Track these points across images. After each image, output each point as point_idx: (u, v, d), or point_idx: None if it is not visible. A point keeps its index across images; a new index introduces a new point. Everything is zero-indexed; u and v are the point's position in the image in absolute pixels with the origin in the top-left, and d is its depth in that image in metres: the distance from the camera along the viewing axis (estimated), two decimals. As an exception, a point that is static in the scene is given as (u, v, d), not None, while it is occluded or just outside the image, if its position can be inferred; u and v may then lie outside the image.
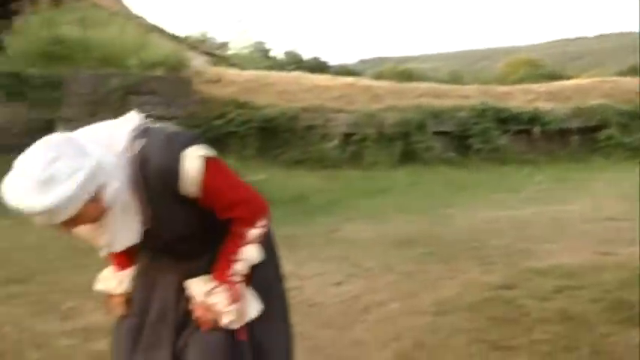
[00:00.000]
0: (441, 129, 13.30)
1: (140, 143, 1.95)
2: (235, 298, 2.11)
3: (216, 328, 2.10)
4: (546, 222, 7.54)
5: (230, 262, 2.12)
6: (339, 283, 5.33)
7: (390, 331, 4.27)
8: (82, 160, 1.79)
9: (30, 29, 11.89)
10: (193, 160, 1.97)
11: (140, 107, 12.12)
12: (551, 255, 6.02)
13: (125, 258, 2.31)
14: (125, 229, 1.99)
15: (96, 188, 1.83)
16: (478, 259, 5.97)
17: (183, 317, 2.16)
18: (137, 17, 14.31)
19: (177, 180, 1.96)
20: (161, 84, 11.47)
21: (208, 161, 2.00)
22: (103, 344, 4.03)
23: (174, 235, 2.09)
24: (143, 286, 2.25)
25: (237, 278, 2.13)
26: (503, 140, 13.34)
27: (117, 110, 11.76)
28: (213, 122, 11.74)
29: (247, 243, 2.13)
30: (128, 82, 11.20)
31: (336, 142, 12.45)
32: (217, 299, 2.09)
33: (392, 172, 12.03)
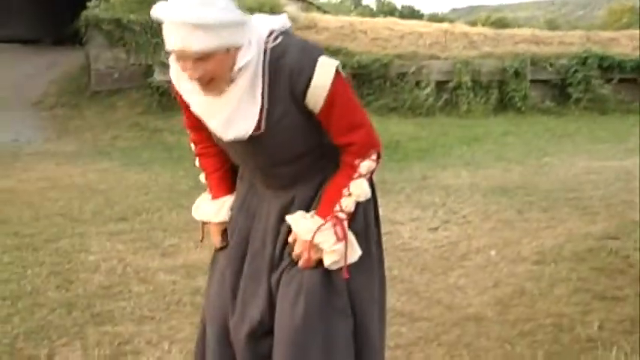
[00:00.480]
0: (540, 77, 12.85)
1: (280, 39, 1.94)
2: (341, 237, 2.03)
3: (314, 267, 2.05)
4: (652, 173, 7.20)
5: (339, 195, 2.04)
6: (435, 229, 5.27)
7: (489, 277, 4.21)
8: (237, 10, 1.83)
9: (129, -24, 12.10)
10: (327, 66, 1.92)
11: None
12: (657, 206, 5.75)
13: (223, 185, 2.28)
14: (243, 114, 1.94)
15: (236, 43, 1.83)
16: (580, 209, 5.78)
17: (280, 250, 2.11)
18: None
19: (308, 82, 1.91)
20: (256, 30, 11.47)
21: (339, 74, 1.95)
22: (202, 281, 4.14)
23: (283, 149, 2.02)
24: (243, 216, 2.20)
25: (344, 215, 2.04)
26: (605, 89, 12.78)
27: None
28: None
29: (359, 176, 2.04)
30: (224, 27, 11.27)
31: (429, 89, 12.24)
32: (323, 238, 2.02)
33: (487, 120, 11.77)
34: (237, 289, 2.18)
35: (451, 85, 12.41)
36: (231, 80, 1.90)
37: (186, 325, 3.50)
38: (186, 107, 2.10)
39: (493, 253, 4.67)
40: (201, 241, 2.42)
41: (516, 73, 12.59)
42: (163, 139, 9.93)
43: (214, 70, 1.83)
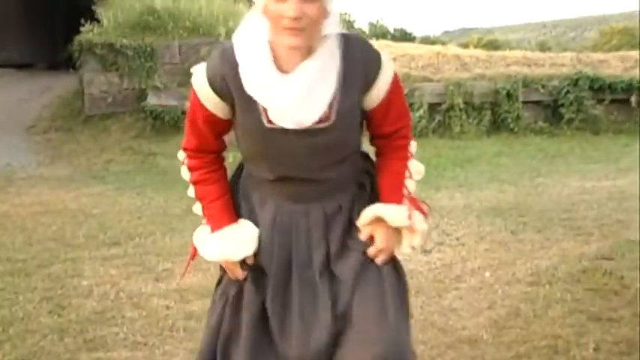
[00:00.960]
0: (532, 98, 12.91)
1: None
2: (427, 214, 2.10)
3: (386, 266, 2.06)
4: (645, 193, 7.21)
5: (402, 178, 2.08)
6: (428, 251, 5.25)
7: (484, 299, 4.19)
8: None
9: (124, 1, 12.17)
10: (389, 59, 2.00)
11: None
12: (651, 227, 5.76)
13: (228, 213, 2.11)
14: (318, 95, 1.89)
15: (331, 4, 1.85)
16: (574, 229, 5.78)
17: (333, 258, 2.05)
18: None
19: (377, 74, 1.95)
20: (249, 53, 11.52)
21: None
22: (196, 305, 4.12)
23: (340, 146, 2.00)
24: (279, 237, 2.07)
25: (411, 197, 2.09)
26: (597, 110, 12.83)
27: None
28: (299, 91, 11.75)
29: (411, 156, 2.10)
30: (217, 51, 11.32)
31: (422, 111, 12.27)
32: (414, 219, 2.06)
33: (480, 141, 11.80)
34: (292, 317, 2.05)
35: (444, 106, 12.44)
36: (308, 53, 1.88)
37: (180, 351, 3.48)
38: (206, 120, 2.00)
39: (487, 274, 4.66)
40: (182, 277, 2.32)
41: (509, 95, 12.64)
42: (157, 162, 9.92)
43: (312, 16, 1.80)
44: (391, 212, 2.04)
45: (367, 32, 42.11)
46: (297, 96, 1.86)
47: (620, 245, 5.19)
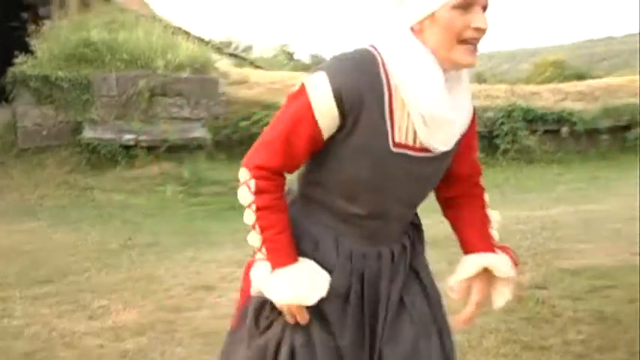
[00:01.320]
0: (468, 129, 13.19)
1: None
2: (518, 264, 1.99)
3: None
4: (577, 222, 7.42)
5: (488, 227, 2.00)
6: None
7: (421, 330, 4.21)
8: None
9: (59, 33, 12.01)
10: None
11: (167, 108, 11.98)
12: (583, 255, 5.91)
13: (293, 247, 1.80)
14: (462, 105, 1.79)
15: None
16: (509, 259, 5.88)
17: (388, 326, 1.89)
18: (163, 20, 14.40)
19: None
20: (187, 85, 11.52)
21: None
22: (132, 343, 4.05)
23: (435, 181, 1.92)
24: (355, 283, 1.86)
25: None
26: (531, 140, 13.21)
27: (144, 112, 11.69)
28: (239, 123, 11.74)
29: (488, 204, 2.02)
30: (155, 83, 11.25)
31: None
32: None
33: (418, 172, 11.96)
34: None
35: (383, 138, 12.60)
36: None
37: (112, 392, 3.40)
38: (310, 138, 1.72)
39: (425, 305, 4.69)
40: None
41: (445, 126, 12.88)
42: (93, 197, 9.75)
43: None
44: (498, 262, 1.92)
45: (310, 64, 42.45)
46: (454, 117, 1.75)
47: (553, 274, 5.30)
